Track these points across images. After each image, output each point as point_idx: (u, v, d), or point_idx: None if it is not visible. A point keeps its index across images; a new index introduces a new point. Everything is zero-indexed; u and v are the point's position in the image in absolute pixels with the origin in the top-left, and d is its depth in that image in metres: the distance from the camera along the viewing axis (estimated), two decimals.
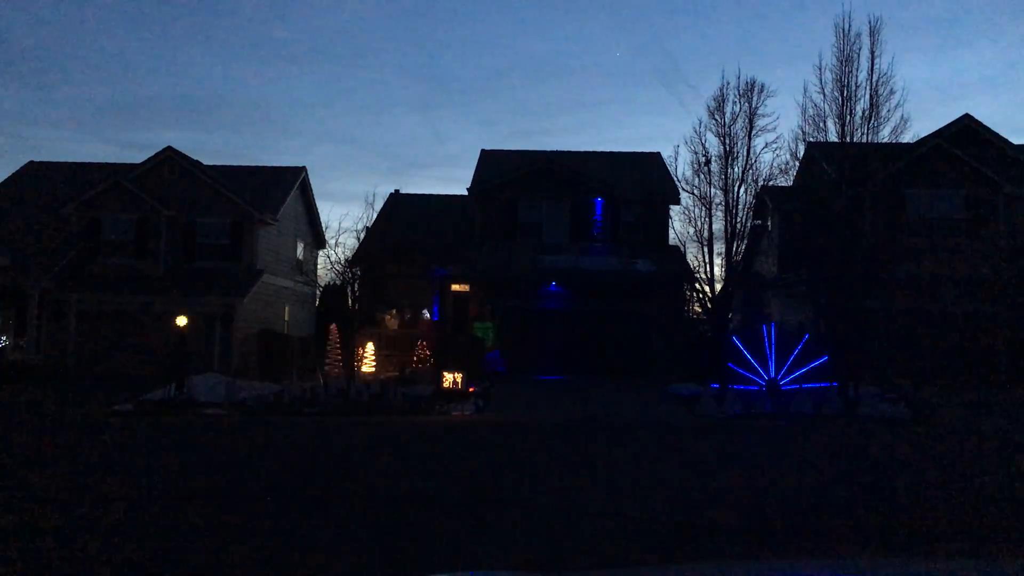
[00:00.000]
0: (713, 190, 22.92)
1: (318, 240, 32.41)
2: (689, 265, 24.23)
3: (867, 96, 21.06)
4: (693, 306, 25.86)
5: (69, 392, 19.27)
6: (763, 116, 22.78)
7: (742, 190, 22.69)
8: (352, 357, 21.85)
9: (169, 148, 26.55)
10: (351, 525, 7.08)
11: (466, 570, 5.79)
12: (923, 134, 23.71)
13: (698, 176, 23.17)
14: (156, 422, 14.71)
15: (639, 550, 6.31)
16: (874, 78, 21.04)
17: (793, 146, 23.43)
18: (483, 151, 30.39)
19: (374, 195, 55.15)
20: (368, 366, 22.28)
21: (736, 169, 22.67)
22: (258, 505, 7.81)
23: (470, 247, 25.42)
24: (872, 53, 21.15)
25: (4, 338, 24.55)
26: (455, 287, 24.81)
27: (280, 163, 45.46)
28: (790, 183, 24.25)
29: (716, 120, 22.92)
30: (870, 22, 22.08)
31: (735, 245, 22.60)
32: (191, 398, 16.98)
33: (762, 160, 26.59)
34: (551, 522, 7.16)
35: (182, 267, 25.85)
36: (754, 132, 22.65)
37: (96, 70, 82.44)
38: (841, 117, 21.14)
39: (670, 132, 59.38)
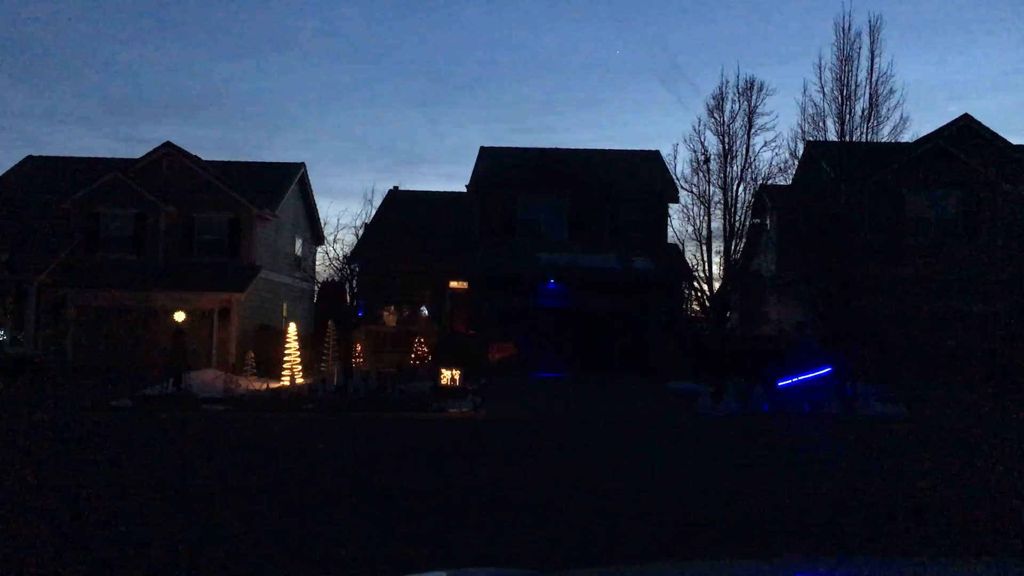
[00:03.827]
0: (712, 188, 22.97)
1: (317, 236, 32.39)
2: (688, 263, 24.23)
3: (867, 95, 21.01)
4: (691, 304, 25.88)
5: (66, 387, 19.26)
6: (762, 115, 22.83)
7: (741, 189, 22.74)
8: (350, 353, 21.83)
9: (168, 143, 26.53)
10: (347, 522, 7.08)
11: (463, 566, 5.79)
12: (922, 134, 23.69)
13: (697, 174, 23.21)
14: (153, 417, 14.70)
15: (635, 546, 6.31)
16: (874, 77, 21.00)
17: (792, 145, 23.40)
18: (482, 148, 30.34)
19: (373, 191, 54.84)
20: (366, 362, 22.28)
21: (735, 168, 22.72)
22: (246, 500, 7.81)
23: (469, 244, 25.40)
24: (872, 52, 21.10)
25: (2, 332, 24.52)
26: (453, 284, 24.77)
27: (279, 159, 45.38)
28: (789, 182, 24.25)
29: (715, 118, 22.96)
30: (870, 21, 21.97)
31: (734, 244, 22.63)
32: (189, 393, 16.99)
33: (761, 159, 26.76)
34: (547, 518, 7.17)
35: (180, 262, 25.83)
36: (753, 131, 22.71)
37: (95, 65, 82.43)
38: (840, 116, 21.11)
39: (669, 130, 59.61)
